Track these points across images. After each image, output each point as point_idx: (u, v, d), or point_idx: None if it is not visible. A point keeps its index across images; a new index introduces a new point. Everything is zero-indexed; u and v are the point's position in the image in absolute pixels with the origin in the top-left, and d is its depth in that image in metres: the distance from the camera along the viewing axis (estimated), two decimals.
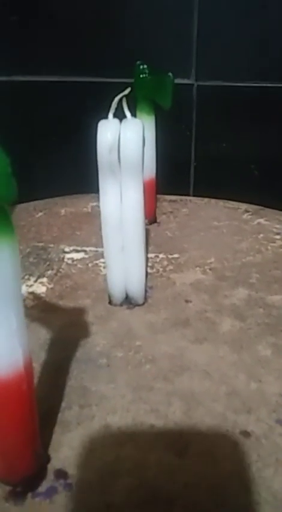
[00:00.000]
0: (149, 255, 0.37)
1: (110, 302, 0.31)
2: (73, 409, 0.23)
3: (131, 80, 0.38)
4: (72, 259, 0.37)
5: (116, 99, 0.27)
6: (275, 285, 0.33)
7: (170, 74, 0.37)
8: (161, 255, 0.37)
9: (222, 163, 0.53)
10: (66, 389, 0.24)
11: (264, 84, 0.50)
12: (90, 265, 0.36)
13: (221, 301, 0.31)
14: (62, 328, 0.29)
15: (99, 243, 0.32)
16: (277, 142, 0.52)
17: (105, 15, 0.49)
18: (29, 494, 0.19)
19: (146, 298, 0.31)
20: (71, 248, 0.38)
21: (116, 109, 0.27)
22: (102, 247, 0.30)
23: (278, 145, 0.52)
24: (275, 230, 0.41)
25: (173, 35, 0.49)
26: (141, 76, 0.38)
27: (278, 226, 0.42)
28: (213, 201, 0.48)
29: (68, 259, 0.37)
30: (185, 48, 0.50)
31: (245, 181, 0.53)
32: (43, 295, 0.32)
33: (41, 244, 0.39)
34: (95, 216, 0.42)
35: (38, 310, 0.30)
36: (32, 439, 0.18)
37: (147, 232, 0.40)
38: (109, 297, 0.31)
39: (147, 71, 0.38)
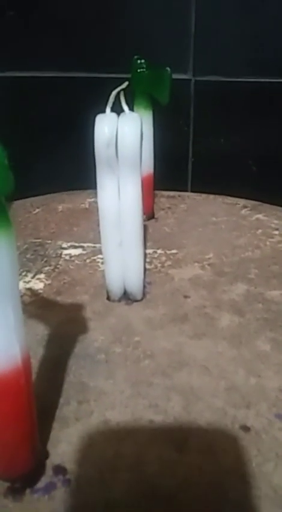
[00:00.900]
0: (147, 251, 0.37)
1: (108, 298, 0.31)
2: (71, 405, 0.23)
3: (129, 75, 0.38)
4: (70, 255, 0.37)
5: (114, 93, 0.27)
6: (273, 280, 0.33)
7: (168, 68, 0.37)
8: (159, 251, 0.37)
9: (220, 159, 0.53)
10: (65, 385, 0.24)
11: (262, 79, 0.50)
12: (88, 261, 0.36)
13: (220, 297, 0.31)
14: (59, 324, 0.28)
15: (96, 239, 0.32)
16: (275, 138, 0.51)
17: (103, 10, 0.49)
18: (28, 490, 0.19)
19: (144, 294, 0.31)
20: (69, 244, 0.38)
21: (114, 103, 0.27)
22: (99, 243, 0.30)
23: (275, 140, 0.52)
24: (273, 225, 0.41)
25: (170, 30, 0.49)
26: (138, 71, 0.38)
27: (276, 221, 0.42)
28: (211, 196, 0.47)
29: (66, 255, 0.37)
30: (182, 44, 0.50)
31: (243, 176, 0.53)
32: (41, 291, 0.32)
33: (38, 240, 0.39)
34: (93, 212, 0.42)
35: (36, 306, 0.30)
36: (30, 435, 0.18)
37: (145, 228, 0.40)
38: (107, 292, 0.31)
39: (144, 66, 0.38)
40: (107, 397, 0.23)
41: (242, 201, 0.46)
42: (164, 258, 0.36)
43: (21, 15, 0.49)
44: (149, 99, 0.38)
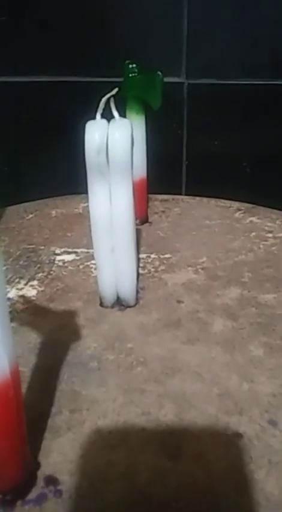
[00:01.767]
0: (141, 256, 0.37)
1: (101, 304, 0.31)
2: (63, 414, 0.23)
3: (121, 79, 0.38)
4: (63, 261, 0.36)
5: (104, 99, 0.27)
6: (267, 283, 0.33)
7: (159, 73, 0.37)
8: (152, 255, 0.37)
9: (214, 162, 0.53)
10: (57, 394, 0.24)
11: (255, 82, 0.50)
12: (81, 266, 0.36)
13: (213, 301, 0.31)
14: (52, 332, 0.28)
15: (90, 244, 0.32)
16: (268, 140, 0.51)
17: (94, 14, 0.49)
18: (19, 502, 0.19)
19: (137, 300, 0.31)
20: (62, 250, 0.38)
21: (104, 109, 0.27)
22: (93, 248, 0.30)
23: (269, 142, 0.52)
24: (267, 228, 0.41)
25: (163, 33, 0.49)
26: (130, 75, 0.38)
27: (270, 224, 0.42)
28: (205, 199, 0.47)
29: (59, 261, 0.36)
30: (175, 47, 0.50)
31: (237, 179, 0.53)
32: (33, 298, 0.32)
33: (31, 246, 0.39)
34: (86, 216, 0.41)
35: (28, 313, 0.30)
36: (20, 447, 0.18)
37: (139, 233, 0.40)
38: (100, 299, 0.31)
39: (136, 70, 0.38)
40: (99, 405, 0.23)
41: (235, 204, 0.46)
42: (157, 263, 0.36)
43: (13, 20, 0.49)
44: (141, 103, 0.38)
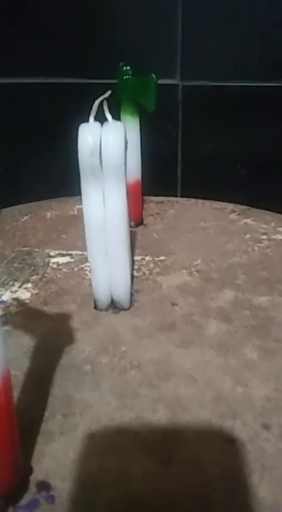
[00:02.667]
0: (136, 258, 0.37)
1: (95, 307, 0.31)
2: (56, 418, 0.23)
3: (117, 81, 0.38)
4: (58, 264, 0.36)
5: (97, 102, 0.27)
6: (261, 286, 0.33)
7: (153, 75, 0.37)
8: (147, 258, 0.37)
9: (209, 163, 0.53)
10: (50, 398, 0.24)
11: (250, 84, 0.50)
12: (75, 269, 0.36)
13: (208, 304, 0.31)
14: (46, 335, 0.28)
15: (85, 246, 0.32)
16: (263, 141, 0.51)
17: (89, 15, 0.48)
18: (11, 508, 0.19)
19: (132, 302, 0.31)
20: (57, 252, 0.38)
21: (97, 112, 0.27)
22: (87, 251, 0.30)
23: (263, 144, 0.52)
24: (261, 230, 0.41)
25: (157, 35, 0.49)
26: (124, 77, 0.38)
27: (264, 226, 0.42)
28: (200, 201, 0.47)
29: (53, 263, 0.36)
30: (169, 49, 0.50)
31: (232, 180, 0.53)
32: (27, 301, 0.32)
33: (26, 248, 0.39)
34: (81, 219, 0.41)
35: (22, 316, 0.30)
36: (11, 452, 0.18)
37: (133, 235, 0.40)
38: (94, 301, 0.31)
39: (130, 72, 0.38)
40: (93, 409, 0.23)
41: (230, 206, 0.46)
42: (152, 265, 0.36)
43: (5, 22, 0.49)
44: (136, 105, 0.38)
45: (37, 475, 0.20)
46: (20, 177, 0.53)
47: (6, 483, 0.18)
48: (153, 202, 0.47)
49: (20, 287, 0.33)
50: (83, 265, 0.36)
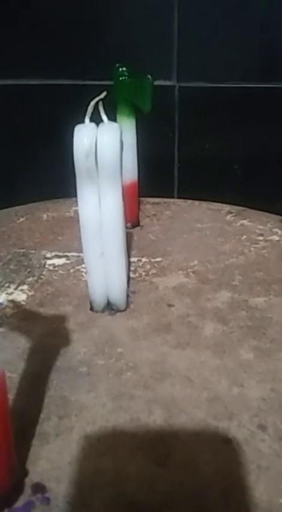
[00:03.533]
0: (132, 259, 0.37)
1: (91, 308, 0.31)
2: (52, 420, 0.22)
3: (112, 82, 0.38)
4: (54, 265, 0.36)
5: (92, 103, 0.27)
6: (257, 286, 0.33)
7: (149, 76, 0.37)
8: (143, 259, 0.37)
9: (206, 164, 0.53)
10: (46, 400, 0.24)
11: (246, 85, 0.50)
12: (72, 270, 0.36)
13: (204, 305, 0.31)
14: (42, 337, 0.28)
15: (81, 248, 0.32)
16: (259, 142, 0.52)
17: (85, 17, 0.48)
18: (6, 510, 0.19)
19: (128, 304, 0.31)
20: (53, 254, 0.38)
21: (93, 113, 0.27)
22: (83, 252, 0.30)
23: (260, 144, 0.52)
24: (257, 231, 0.41)
25: (154, 37, 0.49)
26: (120, 79, 0.38)
27: (260, 227, 0.42)
28: (196, 202, 0.47)
29: (50, 265, 0.36)
30: (166, 50, 0.50)
31: (229, 181, 0.53)
32: (23, 303, 0.32)
33: (22, 250, 0.39)
34: (78, 220, 0.41)
35: (18, 318, 0.30)
36: (6, 455, 0.18)
37: (130, 236, 0.40)
38: (90, 303, 0.31)
39: (126, 74, 0.38)
40: (88, 411, 0.23)
41: (227, 207, 0.46)
42: (148, 266, 0.36)
43: (1, 23, 0.49)
44: (132, 107, 0.38)
45: (32, 477, 0.20)
46: (16, 178, 0.53)
47: (1, 485, 0.18)
48: (150, 204, 0.47)
49: (16, 289, 0.33)
50: (79, 267, 0.36)
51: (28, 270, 0.36)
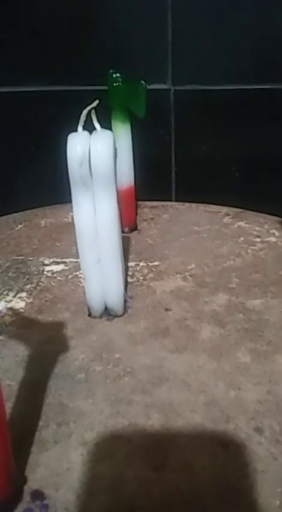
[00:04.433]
0: (129, 264, 0.37)
1: (89, 314, 0.31)
2: (50, 427, 0.23)
3: (106, 88, 0.38)
4: (52, 272, 0.36)
5: (84, 111, 0.27)
6: (254, 288, 0.33)
7: (143, 82, 0.37)
8: (141, 263, 0.37)
9: (203, 167, 0.53)
10: (44, 407, 0.24)
11: (240, 87, 0.50)
12: (70, 277, 0.36)
13: (201, 308, 0.31)
14: (40, 344, 0.28)
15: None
16: (256, 144, 0.52)
17: (79, 22, 0.49)
18: None
19: (125, 309, 0.31)
20: (51, 260, 0.38)
21: (86, 121, 0.27)
22: (79, 259, 0.30)
23: (256, 146, 0.52)
24: (255, 233, 0.41)
25: (148, 41, 0.49)
26: (114, 84, 0.38)
27: (258, 228, 0.42)
28: (193, 205, 0.48)
29: (48, 271, 0.37)
30: (160, 54, 0.50)
31: (227, 183, 0.53)
32: (22, 310, 0.32)
33: (20, 257, 0.39)
34: None
35: (17, 326, 0.30)
36: (5, 462, 0.18)
37: (127, 240, 0.40)
38: (88, 309, 0.31)
39: (120, 80, 0.38)
40: (86, 417, 0.23)
41: (224, 209, 0.46)
42: (146, 271, 0.36)
43: None
44: (126, 112, 0.39)
45: (31, 484, 0.20)
46: (13, 185, 0.53)
47: (0, 493, 0.19)
48: (147, 207, 0.48)
49: (14, 296, 0.33)
50: (77, 273, 0.36)
51: (26, 277, 0.36)
